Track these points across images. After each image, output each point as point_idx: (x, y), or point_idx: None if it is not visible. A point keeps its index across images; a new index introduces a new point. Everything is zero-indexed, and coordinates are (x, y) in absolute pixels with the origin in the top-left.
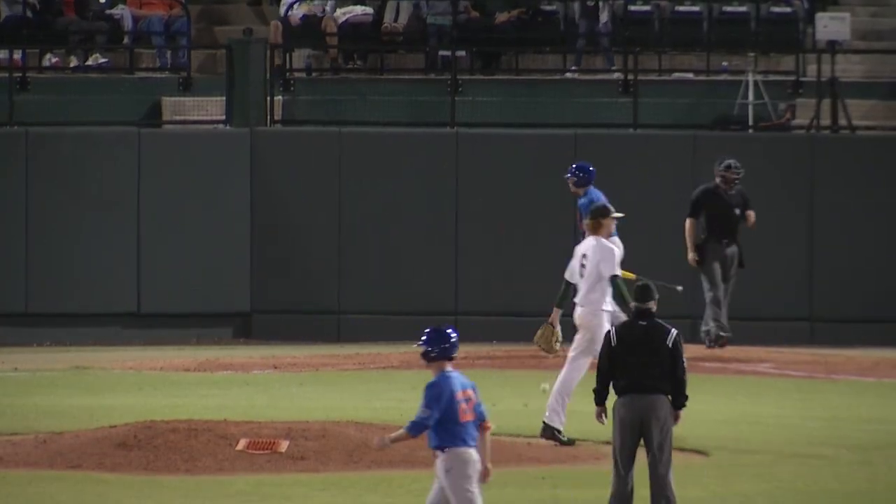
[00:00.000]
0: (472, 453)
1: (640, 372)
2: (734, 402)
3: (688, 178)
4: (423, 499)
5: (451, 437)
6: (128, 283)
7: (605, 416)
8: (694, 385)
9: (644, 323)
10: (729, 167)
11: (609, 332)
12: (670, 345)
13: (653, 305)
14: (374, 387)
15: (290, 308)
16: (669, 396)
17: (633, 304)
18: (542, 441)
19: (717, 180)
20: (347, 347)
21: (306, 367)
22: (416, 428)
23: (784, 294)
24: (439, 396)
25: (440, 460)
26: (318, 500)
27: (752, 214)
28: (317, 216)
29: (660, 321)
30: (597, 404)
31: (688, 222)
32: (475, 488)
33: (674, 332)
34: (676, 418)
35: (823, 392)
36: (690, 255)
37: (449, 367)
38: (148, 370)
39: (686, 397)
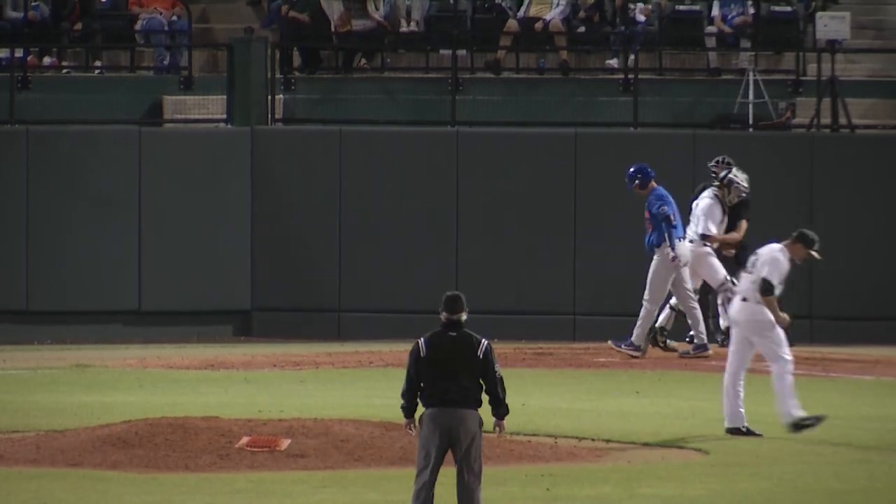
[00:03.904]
0: None
1: (449, 385)
2: None
3: (688, 177)
4: None
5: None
6: (128, 281)
7: (414, 428)
8: (694, 383)
9: (453, 334)
10: (718, 162)
11: (417, 342)
12: (481, 356)
13: (463, 316)
14: (375, 384)
15: (291, 306)
16: (485, 409)
17: (443, 315)
18: (542, 439)
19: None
20: (347, 345)
21: (307, 365)
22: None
23: (783, 292)
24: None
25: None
26: (318, 497)
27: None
28: (317, 214)
29: (470, 332)
30: (405, 417)
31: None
32: None
33: (485, 342)
34: (500, 427)
35: (822, 390)
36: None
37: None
38: (149, 368)
39: (506, 407)
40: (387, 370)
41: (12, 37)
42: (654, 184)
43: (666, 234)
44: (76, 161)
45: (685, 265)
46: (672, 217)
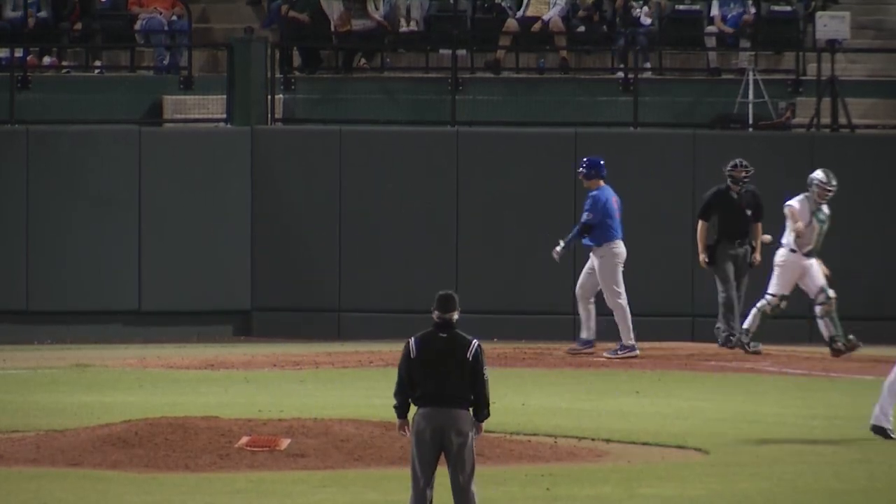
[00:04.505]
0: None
1: (440, 384)
2: (734, 400)
3: (688, 177)
4: None
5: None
6: (128, 281)
7: (408, 429)
8: (694, 383)
9: (445, 335)
10: (736, 165)
11: (408, 342)
12: (471, 358)
13: (455, 315)
14: (375, 384)
15: (291, 306)
16: (471, 409)
17: (435, 314)
18: (542, 439)
19: (728, 181)
20: (347, 345)
21: (307, 365)
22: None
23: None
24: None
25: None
26: (318, 497)
27: (762, 233)
28: (317, 214)
29: (462, 333)
30: (398, 417)
31: (699, 224)
32: None
33: (475, 343)
34: (478, 430)
35: (823, 390)
36: (700, 257)
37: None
38: (149, 368)
39: (487, 412)
40: (387, 370)
41: (12, 37)
42: (601, 182)
43: (568, 237)
44: (76, 161)
45: (620, 261)
46: (591, 227)
